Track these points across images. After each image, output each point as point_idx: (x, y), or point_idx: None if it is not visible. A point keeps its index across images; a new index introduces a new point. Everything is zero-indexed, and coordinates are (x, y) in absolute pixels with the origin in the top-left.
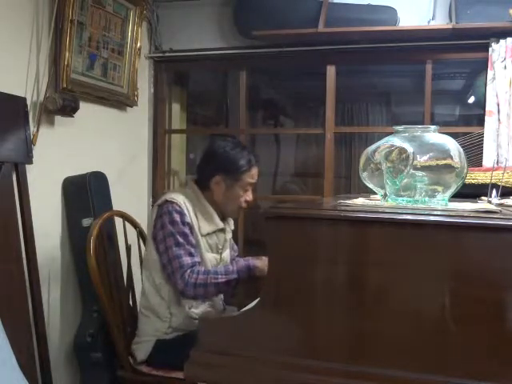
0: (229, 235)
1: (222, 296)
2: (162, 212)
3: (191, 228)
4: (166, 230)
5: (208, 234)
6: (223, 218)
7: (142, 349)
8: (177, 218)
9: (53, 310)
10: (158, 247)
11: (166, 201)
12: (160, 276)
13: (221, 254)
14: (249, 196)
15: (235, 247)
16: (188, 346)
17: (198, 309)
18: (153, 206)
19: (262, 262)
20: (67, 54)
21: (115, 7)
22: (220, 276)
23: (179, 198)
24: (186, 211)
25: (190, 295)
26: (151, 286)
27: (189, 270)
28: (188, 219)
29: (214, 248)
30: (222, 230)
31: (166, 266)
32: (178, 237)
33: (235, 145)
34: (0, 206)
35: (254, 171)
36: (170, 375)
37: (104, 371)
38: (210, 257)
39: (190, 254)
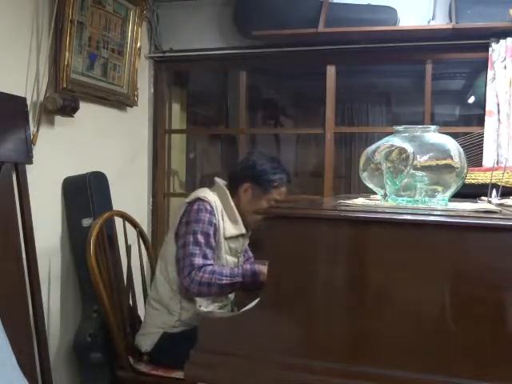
0: (247, 241)
1: (231, 297)
2: (192, 208)
3: (216, 229)
4: (190, 226)
5: (231, 237)
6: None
7: (148, 339)
8: (205, 217)
9: (53, 310)
10: (177, 241)
11: (198, 198)
12: (174, 269)
13: (238, 257)
14: None
15: (250, 253)
16: (194, 342)
17: (208, 308)
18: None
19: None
20: (67, 54)
21: (115, 7)
22: (225, 278)
23: (211, 198)
24: (215, 211)
25: (194, 292)
26: (164, 279)
27: (196, 269)
28: (215, 220)
29: (234, 252)
30: (243, 236)
31: (179, 260)
32: (199, 236)
33: (274, 160)
34: (0, 206)
35: (283, 189)
36: (169, 375)
37: (104, 371)
38: (229, 259)
39: (204, 256)
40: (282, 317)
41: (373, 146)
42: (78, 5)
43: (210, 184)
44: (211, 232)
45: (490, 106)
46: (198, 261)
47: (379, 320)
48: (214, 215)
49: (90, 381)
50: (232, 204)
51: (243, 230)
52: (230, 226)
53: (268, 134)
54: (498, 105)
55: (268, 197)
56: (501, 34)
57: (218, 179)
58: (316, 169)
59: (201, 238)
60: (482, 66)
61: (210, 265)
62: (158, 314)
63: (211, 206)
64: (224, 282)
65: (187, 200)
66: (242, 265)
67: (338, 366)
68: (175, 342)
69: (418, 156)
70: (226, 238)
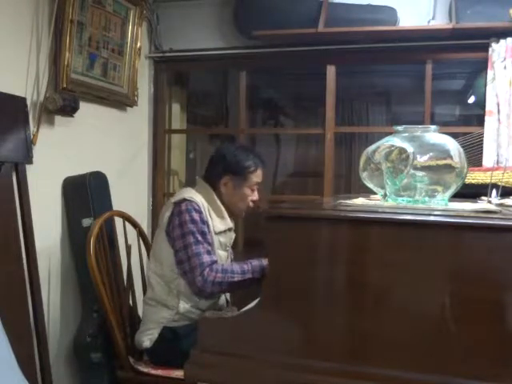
0: (233, 235)
1: (227, 294)
2: (181, 210)
3: (208, 227)
4: (185, 227)
5: (220, 232)
6: (230, 218)
7: (148, 335)
8: (196, 216)
9: (53, 310)
10: (174, 244)
11: (185, 199)
12: (172, 270)
13: (227, 251)
14: (255, 195)
15: (230, 248)
16: (194, 336)
17: (208, 301)
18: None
19: None
20: (67, 54)
21: (115, 7)
22: (236, 275)
23: (197, 198)
24: (203, 210)
25: (208, 292)
26: (160, 278)
27: (208, 268)
28: (205, 218)
29: (224, 246)
30: (230, 230)
31: (184, 262)
32: (198, 235)
33: (242, 147)
34: (0, 206)
35: (260, 171)
36: (170, 375)
37: (104, 371)
38: (221, 253)
39: (209, 253)
40: (282, 317)
41: (373, 146)
42: (78, 5)
43: (193, 183)
44: (206, 230)
45: (489, 106)
46: (206, 258)
47: (379, 320)
48: (203, 213)
49: (89, 381)
50: (217, 200)
51: (230, 225)
52: (217, 222)
53: (268, 133)
54: (498, 105)
55: (248, 183)
56: (501, 34)
57: (199, 178)
58: (316, 169)
59: (200, 237)
60: (482, 66)
61: (216, 261)
62: (156, 311)
63: (198, 206)
64: (236, 279)
65: (173, 200)
66: (250, 261)
67: (337, 366)
68: (175, 337)
69: (418, 156)
70: (215, 234)
